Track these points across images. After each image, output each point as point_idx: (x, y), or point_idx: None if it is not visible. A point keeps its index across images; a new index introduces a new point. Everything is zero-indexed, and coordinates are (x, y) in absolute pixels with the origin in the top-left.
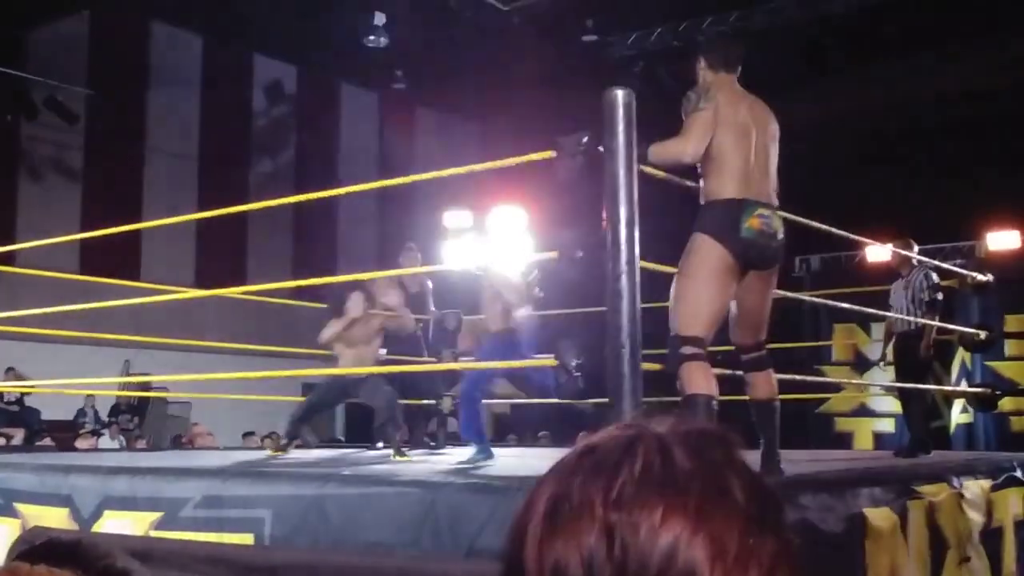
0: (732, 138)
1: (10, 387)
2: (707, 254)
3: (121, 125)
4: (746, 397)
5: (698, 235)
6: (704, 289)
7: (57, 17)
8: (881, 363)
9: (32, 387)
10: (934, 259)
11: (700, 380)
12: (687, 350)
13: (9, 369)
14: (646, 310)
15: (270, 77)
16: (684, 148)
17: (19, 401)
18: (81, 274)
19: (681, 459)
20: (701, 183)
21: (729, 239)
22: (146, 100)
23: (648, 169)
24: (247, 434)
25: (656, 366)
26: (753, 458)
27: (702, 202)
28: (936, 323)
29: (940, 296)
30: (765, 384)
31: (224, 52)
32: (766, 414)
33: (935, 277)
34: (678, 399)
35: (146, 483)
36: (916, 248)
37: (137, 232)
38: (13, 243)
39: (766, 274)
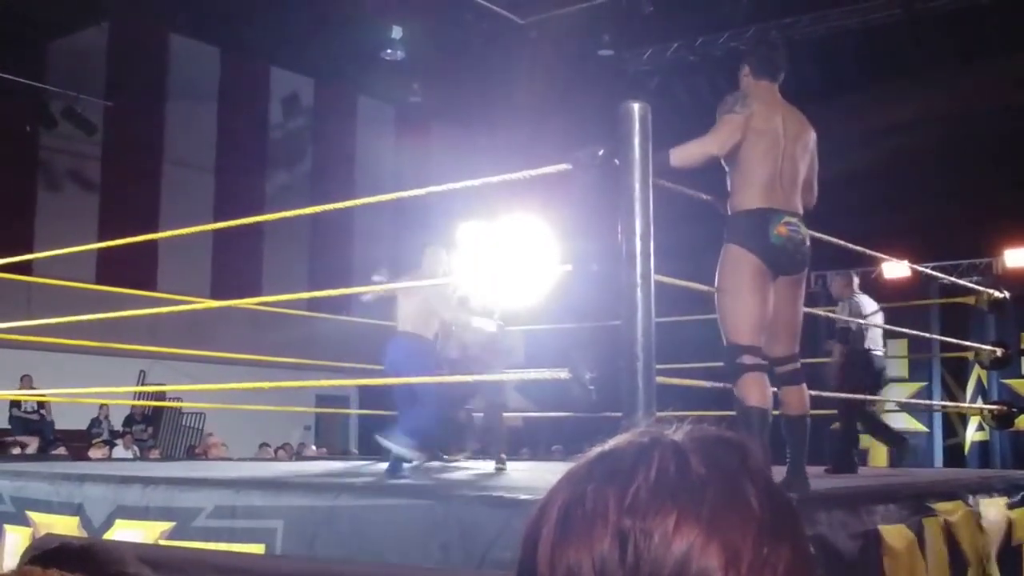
0: (761, 149)
1: (27, 396)
2: (740, 264)
3: (139, 136)
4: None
5: (729, 246)
6: (746, 297)
7: (76, 29)
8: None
9: (48, 396)
10: (950, 275)
11: (756, 393)
12: (746, 360)
13: (24, 376)
14: (660, 323)
15: (287, 89)
16: (710, 144)
17: (38, 410)
18: (97, 284)
19: (696, 466)
20: (728, 195)
21: (759, 247)
22: (164, 111)
23: (664, 182)
24: (262, 445)
25: (669, 380)
26: (779, 473)
27: (728, 213)
28: (844, 347)
29: (855, 324)
30: (798, 399)
31: (242, 64)
32: (797, 430)
33: (861, 305)
34: (691, 413)
35: (158, 493)
36: (857, 281)
37: (154, 243)
38: (31, 252)
39: (795, 280)
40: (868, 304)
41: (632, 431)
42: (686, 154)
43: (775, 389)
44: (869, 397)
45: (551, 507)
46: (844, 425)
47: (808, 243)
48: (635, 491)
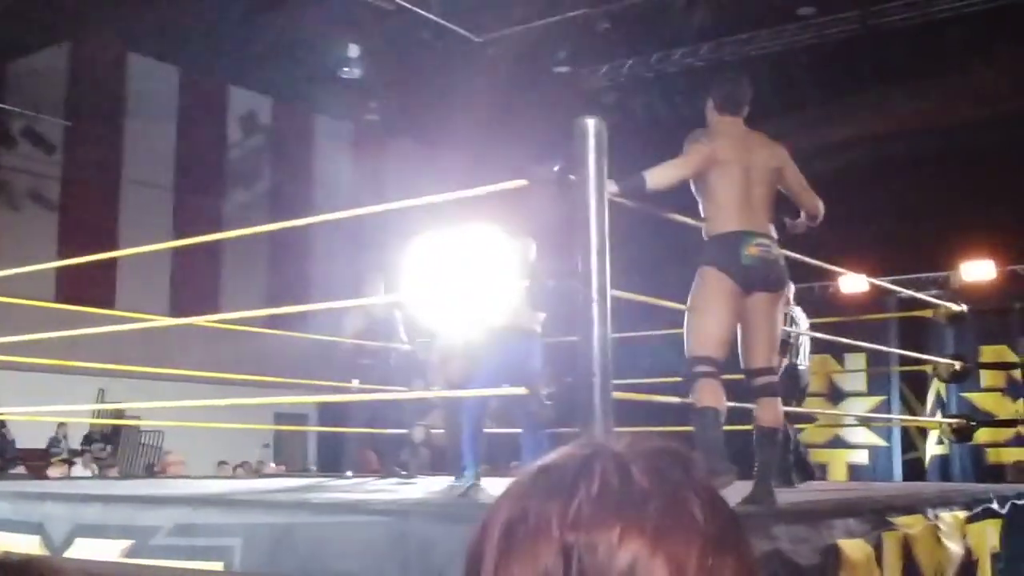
0: (730, 178)
1: None
2: (712, 283)
3: (98, 155)
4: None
5: (703, 267)
6: (711, 314)
7: (36, 49)
8: None
9: (6, 415)
10: (908, 289)
11: (708, 395)
12: (700, 368)
13: None
14: (618, 339)
15: (245, 108)
16: (680, 167)
17: None
18: (56, 303)
19: (639, 478)
20: (703, 222)
21: (732, 267)
22: (123, 131)
23: (619, 199)
24: (221, 463)
25: (626, 395)
26: (747, 487)
27: (705, 238)
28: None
29: (799, 338)
30: (772, 412)
31: (200, 84)
32: (768, 442)
33: (799, 318)
34: (650, 429)
35: (118, 511)
36: (792, 290)
37: (113, 261)
38: None
39: (773, 296)
40: (803, 317)
41: (573, 443)
42: (659, 177)
43: (753, 405)
44: (798, 410)
45: (493, 524)
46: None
47: (782, 262)
48: (577, 506)
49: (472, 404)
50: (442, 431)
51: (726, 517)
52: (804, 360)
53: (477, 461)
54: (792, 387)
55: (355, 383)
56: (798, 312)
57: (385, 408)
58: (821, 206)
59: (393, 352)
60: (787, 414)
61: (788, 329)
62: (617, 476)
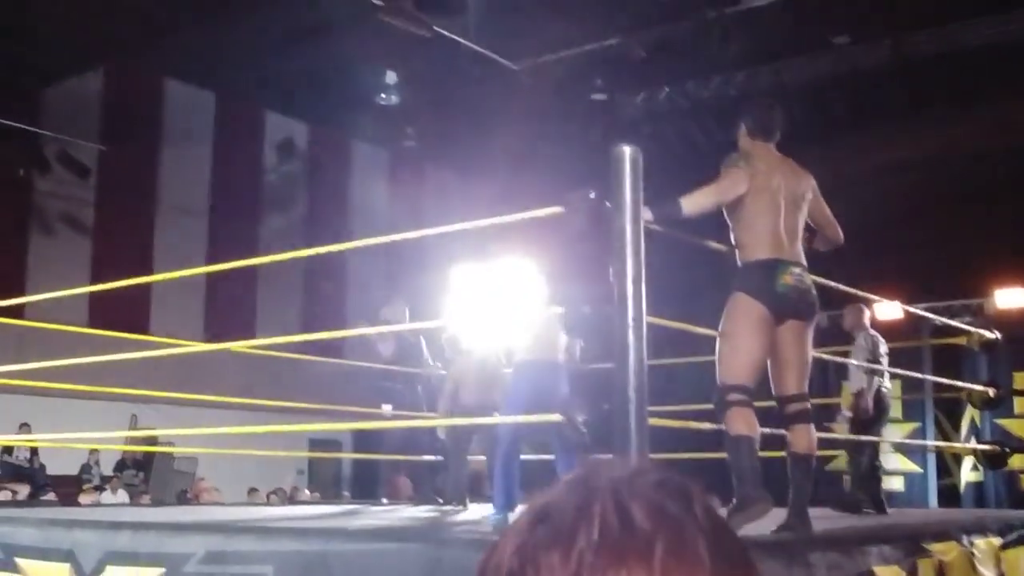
0: (764, 205)
1: (18, 441)
2: (745, 310)
3: (133, 180)
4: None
5: (736, 294)
6: (743, 340)
7: (71, 74)
8: (838, 416)
9: (39, 441)
10: (942, 316)
11: (741, 423)
12: (732, 396)
13: (23, 425)
14: (653, 366)
15: (282, 134)
16: (717, 192)
17: (30, 458)
18: (90, 327)
19: (640, 518)
20: (736, 248)
21: (766, 295)
22: (158, 156)
23: (654, 226)
24: (252, 490)
25: (662, 422)
26: (782, 513)
27: (738, 264)
28: (878, 383)
29: (882, 360)
30: (805, 438)
31: (236, 109)
32: (803, 468)
33: (879, 341)
34: (687, 456)
35: (149, 538)
36: (868, 314)
37: (146, 286)
38: (23, 296)
39: (804, 324)
40: (881, 339)
41: (568, 479)
42: (695, 203)
43: (785, 431)
44: (868, 437)
45: (494, 574)
46: (858, 459)
47: (814, 290)
48: (579, 553)
49: (503, 436)
50: (481, 457)
51: (732, 550)
52: (887, 383)
53: (508, 500)
54: (879, 411)
55: (387, 408)
56: (878, 335)
57: (419, 434)
58: (842, 238)
59: (422, 377)
60: (866, 441)
61: (867, 365)
62: (617, 517)
